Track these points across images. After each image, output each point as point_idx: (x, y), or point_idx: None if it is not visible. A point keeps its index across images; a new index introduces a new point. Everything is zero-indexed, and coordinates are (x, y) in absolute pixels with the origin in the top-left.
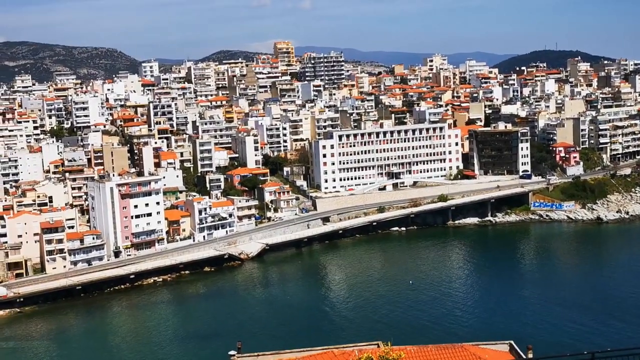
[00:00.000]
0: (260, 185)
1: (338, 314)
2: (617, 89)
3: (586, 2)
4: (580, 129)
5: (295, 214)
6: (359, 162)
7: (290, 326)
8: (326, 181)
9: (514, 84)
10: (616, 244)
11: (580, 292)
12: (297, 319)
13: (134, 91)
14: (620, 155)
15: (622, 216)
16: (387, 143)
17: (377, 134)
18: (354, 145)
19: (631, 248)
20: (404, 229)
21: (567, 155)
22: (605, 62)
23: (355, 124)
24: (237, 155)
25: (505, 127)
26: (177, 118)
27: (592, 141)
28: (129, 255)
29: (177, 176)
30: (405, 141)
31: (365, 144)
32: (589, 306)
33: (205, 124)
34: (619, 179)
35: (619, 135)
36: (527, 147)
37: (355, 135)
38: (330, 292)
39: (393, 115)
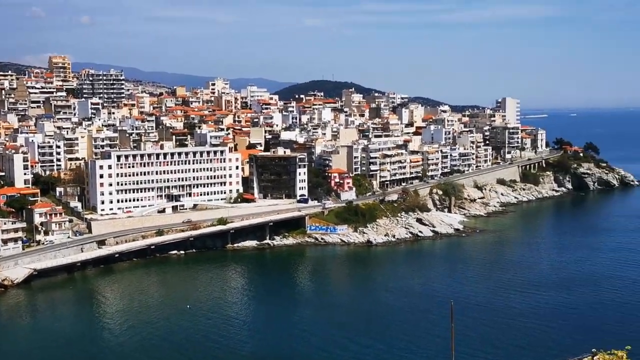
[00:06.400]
0: (30, 206)
1: (111, 341)
2: (386, 120)
3: (364, 36)
4: (353, 156)
5: (68, 237)
6: (138, 183)
7: (57, 356)
8: (103, 203)
9: (293, 111)
10: (384, 266)
11: (352, 313)
12: (65, 347)
13: None
14: (388, 182)
15: (390, 239)
16: (168, 165)
17: (157, 155)
18: (133, 166)
19: (396, 270)
20: (182, 252)
21: (341, 181)
22: (376, 94)
23: (135, 145)
24: (3, 173)
25: (284, 152)
26: None
27: (364, 168)
28: None
29: None
30: (186, 163)
31: (144, 165)
32: (360, 327)
33: None
34: (387, 204)
35: (388, 163)
36: (304, 172)
37: (134, 156)
38: (103, 319)
39: (174, 137)
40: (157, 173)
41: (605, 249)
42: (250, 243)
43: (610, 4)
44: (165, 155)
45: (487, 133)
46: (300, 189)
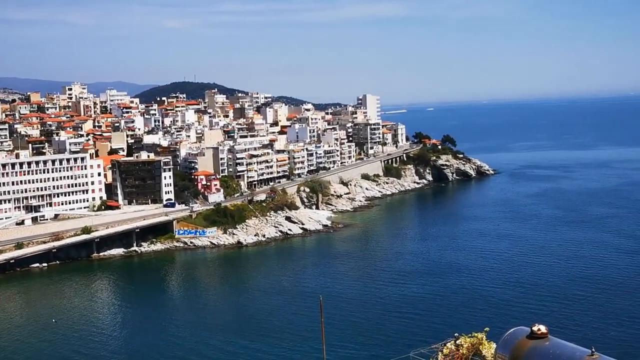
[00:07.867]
0: None
1: None
2: (251, 120)
3: (224, 37)
4: (219, 157)
5: None
6: None
7: None
8: None
9: (155, 114)
10: (254, 266)
11: (222, 315)
12: None
13: None
14: (256, 182)
15: (260, 239)
16: (25, 174)
17: (13, 164)
18: None
19: (268, 269)
20: (45, 265)
21: (208, 183)
22: (240, 94)
23: None
24: None
25: (148, 156)
26: None
27: (231, 169)
28: None
29: None
30: (44, 172)
31: None
32: (230, 328)
33: None
34: (256, 204)
35: (255, 163)
36: (170, 176)
37: None
38: None
39: (30, 145)
40: (13, 184)
41: (463, 237)
42: (117, 251)
43: (457, 4)
44: (21, 164)
45: (350, 130)
46: (166, 193)
